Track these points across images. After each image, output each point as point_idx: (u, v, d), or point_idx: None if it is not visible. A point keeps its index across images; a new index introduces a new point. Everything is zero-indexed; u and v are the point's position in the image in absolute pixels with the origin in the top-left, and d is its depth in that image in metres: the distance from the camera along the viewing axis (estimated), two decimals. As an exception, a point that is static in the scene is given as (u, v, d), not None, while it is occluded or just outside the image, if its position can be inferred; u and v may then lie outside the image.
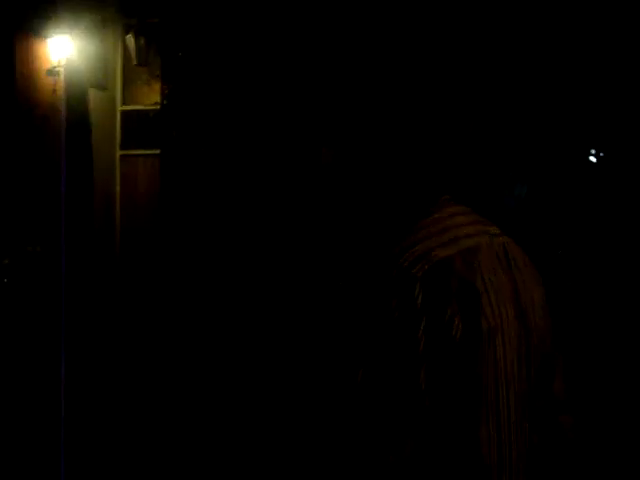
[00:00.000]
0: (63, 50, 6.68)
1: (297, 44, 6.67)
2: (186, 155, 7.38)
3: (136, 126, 8.82)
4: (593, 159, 7.08)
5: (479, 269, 1.21)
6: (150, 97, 8.92)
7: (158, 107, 8.07)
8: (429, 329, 1.14)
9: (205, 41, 7.59)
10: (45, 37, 7.10)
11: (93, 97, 7.96)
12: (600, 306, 5.84)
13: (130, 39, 8.34)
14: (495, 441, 1.17)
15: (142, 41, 8.28)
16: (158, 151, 8.28)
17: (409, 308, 1.14)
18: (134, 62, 8.54)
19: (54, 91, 7.22)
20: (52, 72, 7.20)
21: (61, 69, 6.77)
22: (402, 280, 1.16)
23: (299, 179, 6.78)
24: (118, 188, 8.83)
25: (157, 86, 8.71)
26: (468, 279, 1.19)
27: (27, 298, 6.60)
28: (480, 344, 1.18)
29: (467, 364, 1.15)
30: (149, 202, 8.66)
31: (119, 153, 8.91)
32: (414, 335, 1.13)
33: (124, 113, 8.92)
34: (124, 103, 8.99)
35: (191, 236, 7.17)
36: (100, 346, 6.21)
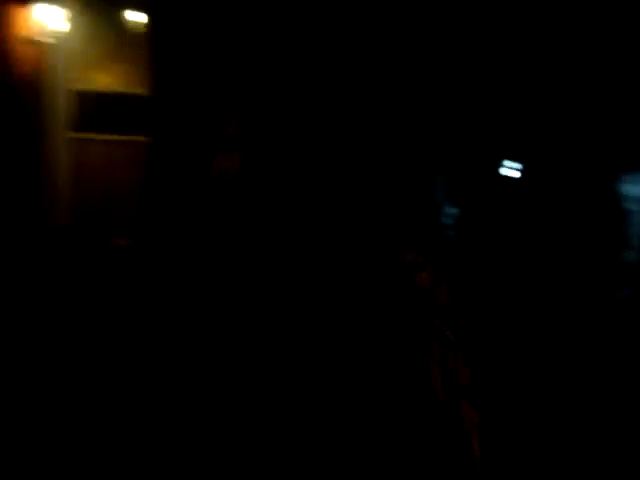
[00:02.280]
0: (49, 19, 6.15)
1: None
2: (177, 144, 7.01)
3: (93, 108, 8.31)
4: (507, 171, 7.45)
5: None
6: (105, 79, 8.45)
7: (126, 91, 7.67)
8: None
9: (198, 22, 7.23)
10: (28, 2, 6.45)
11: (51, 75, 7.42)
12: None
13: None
14: None
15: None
16: (117, 136, 7.84)
17: None
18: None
19: (32, 62, 6.64)
20: (33, 41, 6.57)
21: (44, 39, 6.24)
22: None
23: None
24: (67, 174, 8.27)
25: (114, 67, 8.26)
26: None
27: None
28: None
29: None
30: (105, 190, 8.18)
31: (71, 136, 8.34)
32: None
33: (80, 94, 8.38)
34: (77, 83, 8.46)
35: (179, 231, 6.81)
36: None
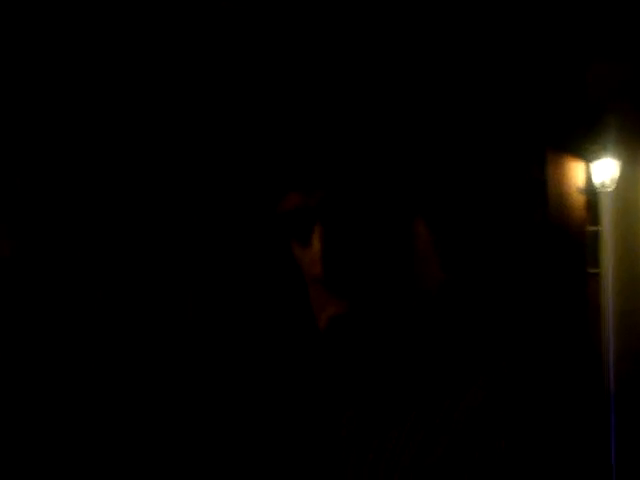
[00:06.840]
0: (604, 173, 6.92)
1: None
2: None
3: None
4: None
5: None
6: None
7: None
8: None
9: None
10: (582, 158, 7.18)
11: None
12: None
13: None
14: None
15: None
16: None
17: None
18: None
19: (584, 210, 7.54)
20: (588, 192, 7.36)
21: (601, 190, 7.09)
22: None
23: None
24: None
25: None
26: None
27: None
28: None
29: None
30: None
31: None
32: None
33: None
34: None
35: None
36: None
